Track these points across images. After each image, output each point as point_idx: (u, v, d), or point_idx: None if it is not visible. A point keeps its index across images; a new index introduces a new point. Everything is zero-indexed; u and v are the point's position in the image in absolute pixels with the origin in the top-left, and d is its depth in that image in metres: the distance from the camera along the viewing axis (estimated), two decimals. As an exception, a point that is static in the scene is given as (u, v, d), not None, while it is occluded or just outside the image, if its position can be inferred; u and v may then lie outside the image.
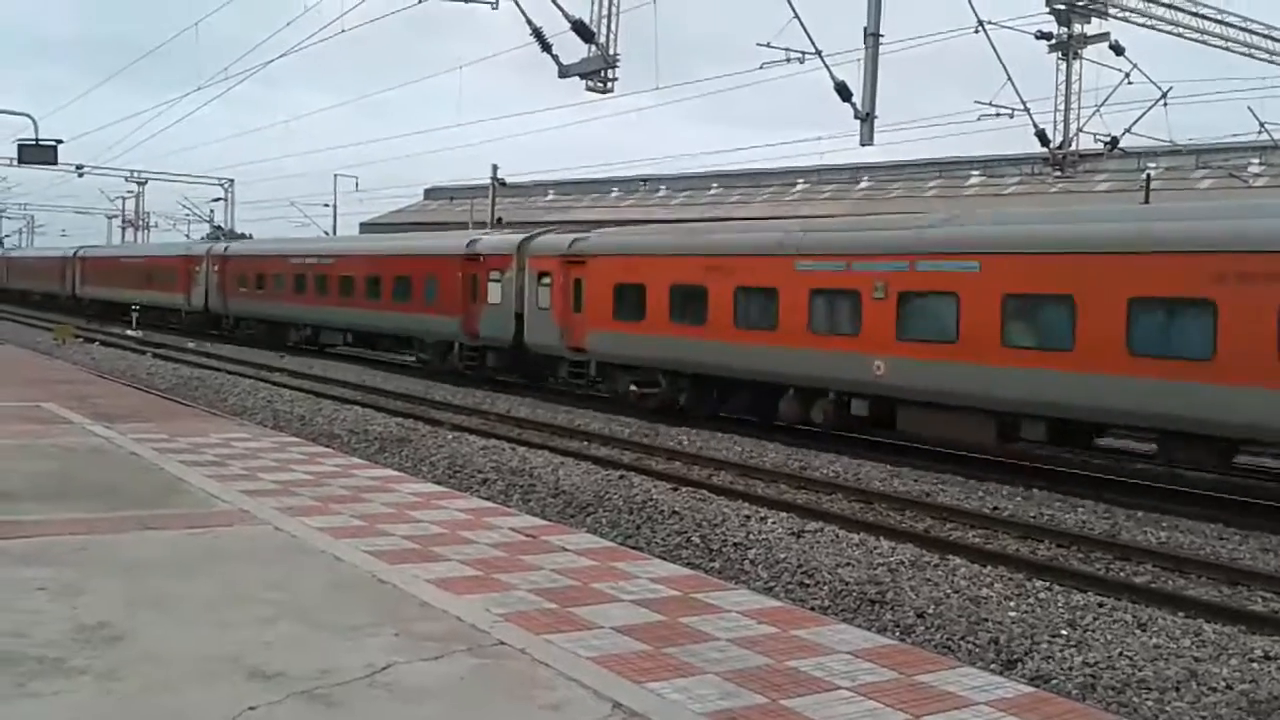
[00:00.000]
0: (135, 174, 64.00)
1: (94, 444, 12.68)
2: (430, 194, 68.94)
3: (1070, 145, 30.57)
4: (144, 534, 8.33)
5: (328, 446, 15.24)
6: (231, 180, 62.72)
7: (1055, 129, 30.07)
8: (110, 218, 76.21)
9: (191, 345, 38.46)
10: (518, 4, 20.60)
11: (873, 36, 21.23)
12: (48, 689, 5.12)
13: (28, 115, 17.74)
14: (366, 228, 63.77)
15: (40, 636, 5.81)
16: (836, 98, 21.83)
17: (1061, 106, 30.16)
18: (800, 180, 50.65)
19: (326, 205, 62.87)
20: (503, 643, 6.01)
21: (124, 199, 71.16)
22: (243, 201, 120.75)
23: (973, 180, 45.10)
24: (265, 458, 12.17)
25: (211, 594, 6.77)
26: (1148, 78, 28.01)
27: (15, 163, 20.30)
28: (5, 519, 8.55)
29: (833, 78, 21.94)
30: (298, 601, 6.66)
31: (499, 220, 42.84)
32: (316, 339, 37.47)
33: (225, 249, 45.22)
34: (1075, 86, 30.14)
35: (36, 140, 17.69)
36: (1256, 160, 35.85)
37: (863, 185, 48.23)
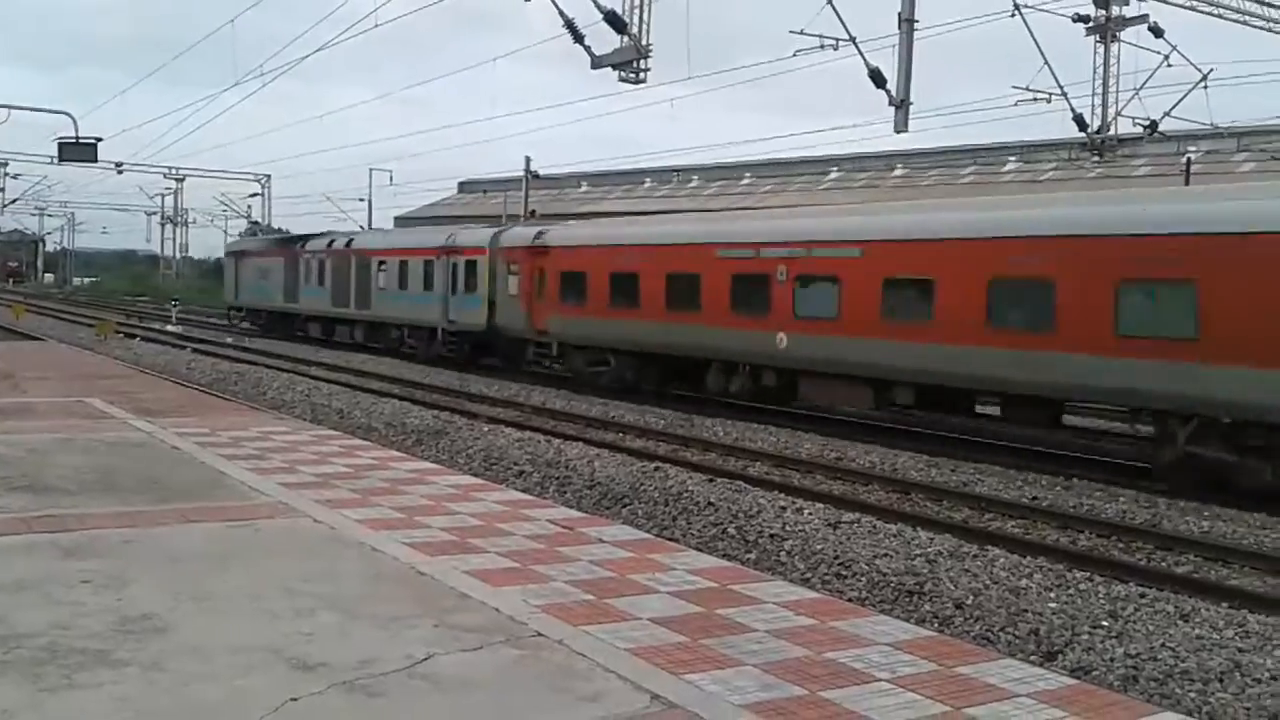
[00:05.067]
0: (173, 170, 64.91)
1: (136, 438, 12.83)
2: (464, 187, 69.11)
3: (1109, 129, 30.22)
4: (186, 527, 8.42)
5: (365, 439, 15.32)
6: (268, 176, 63.48)
7: (1093, 113, 29.77)
8: (149, 214, 77.20)
9: (230, 340, 38.93)
10: (550, -5, 20.63)
11: (907, 22, 21.10)
12: (93, 680, 5.17)
13: (68, 114, 17.95)
14: (401, 221, 64.12)
15: (85, 629, 5.88)
16: (871, 85, 21.73)
17: (1099, 90, 29.84)
18: (834, 169, 50.33)
19: (361, 200, 63.42)
20: (541, 634, 6.03)
21: (163, 196, 72.06)
22: (280, 196, 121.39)
23: (1009, 166, 44.62)
24: (304, 451, 12.27)
25: (253, 586, 6.84)
26: (1188, 60, 27.67)
27: (56, 161, 20.49)
28: (49, 513, 8.66)
29: (867, 64, 21.85)
30: (338, 593, 6.71)
31: (532, 213, 43.15)
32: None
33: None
34: (1113, 70, 29.80)
35: (77, 138, 17.86)
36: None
37: (897, 173, 47.84)
